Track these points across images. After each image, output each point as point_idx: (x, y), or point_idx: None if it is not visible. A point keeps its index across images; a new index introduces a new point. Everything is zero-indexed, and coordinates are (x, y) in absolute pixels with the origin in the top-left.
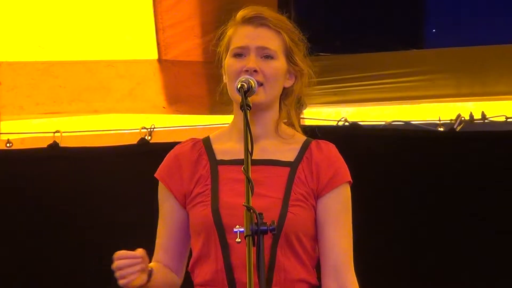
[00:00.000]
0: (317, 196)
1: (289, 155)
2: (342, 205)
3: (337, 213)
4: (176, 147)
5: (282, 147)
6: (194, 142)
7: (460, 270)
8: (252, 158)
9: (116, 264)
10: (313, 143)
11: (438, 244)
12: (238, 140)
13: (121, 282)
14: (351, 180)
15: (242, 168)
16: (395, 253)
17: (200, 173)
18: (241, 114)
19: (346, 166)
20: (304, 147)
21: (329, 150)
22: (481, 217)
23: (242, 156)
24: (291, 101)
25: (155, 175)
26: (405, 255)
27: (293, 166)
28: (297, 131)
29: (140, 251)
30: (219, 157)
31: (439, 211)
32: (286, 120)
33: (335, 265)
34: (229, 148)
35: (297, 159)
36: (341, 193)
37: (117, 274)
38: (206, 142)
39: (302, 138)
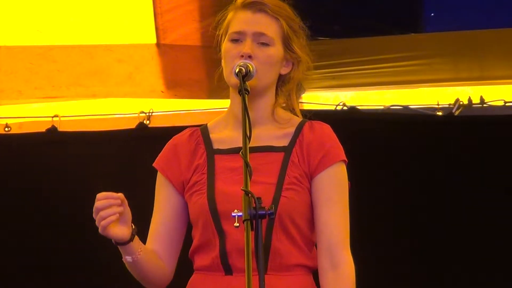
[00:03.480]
0: (310, 177)
1: (284, 140)
2: (334, 184)
3: (330, 192)
4: (174, 137)
5: (277, 132)
6: (192, 131)
7: (459, 251)
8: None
9: (96, 205)
10: (307, 124)
11: (438, 228)
12: (234, 127)
13: (102, 224)
14: (346, 159)
15: (240, 153)
16: (395, 237)
17: (197, 162)
18: (237, 100)
19: (340, 145)
20: (298, 130)
21: (322, 130)
22: (480, 201)
23: (238, 144)
24: (289, 88)
25: (153, 164)
26: (405, 238)
27: (287, 150)
28: (298, 116)
29: (119, 194)
30: (216, 146)
31: (438, 195)
32: (284, 105)
33: (328, 243)
34: (225, 136)
35: (291, 143)
36: (333, 172)
37: (98, 215)
38: (204, 130)
39: (297, 121)
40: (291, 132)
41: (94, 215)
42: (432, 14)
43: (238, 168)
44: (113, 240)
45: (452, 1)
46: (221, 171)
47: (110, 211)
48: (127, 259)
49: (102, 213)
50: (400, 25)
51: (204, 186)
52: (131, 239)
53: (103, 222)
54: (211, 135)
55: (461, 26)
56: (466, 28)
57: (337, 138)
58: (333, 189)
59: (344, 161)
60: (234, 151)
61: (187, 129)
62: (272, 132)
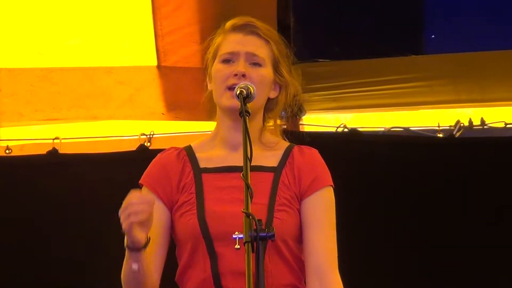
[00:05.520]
0: (300, 199)
1: (273, 160)
2: (324, 207)
3: (319, 215)
4: (160, 156)
5: (265, 153)
6: (178, 151)
7: (459, 271)
8: (236, 165)
9: (129, 200)
10: (296, 148)
11: (438, 251)
12: (222, 147)
13: (131, 219)
14: (333, 185)
15: (241, 175)
16: (395, 256)
17: (184, 182)
18: (226, 122)
19: (328, 171)
20: (287, 152)
21: (311, 154)
22: (481, 223)
23: (226, 163)
24: (275, 113)
25: (140, 182)
26: (405, 259)
27: (276, 171)
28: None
29: (152, 197)
30: (202, 165)
31: (439, 217)
32: (272, 128)
33: (318, 265)
34: (212, 156)
35: (281, 164)
36: (323, 196)
37: (127, 211)
38: (189, 150)
39: (285, 144)
40: (280, 154)
41: (122, 210)
42: (433, 36)
43: (226, 187)
44: (128, 242)
45: (452, 23)
46: (209, 190)
47: (142, 207)
48: (133, 267)
49: (133, 208)
50: (400, 47)
51: (193, 207)
52: (145, 246)
53: (133, 217)
54: (197, 155)
55: (462, 48)
56: (467, 50)
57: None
58: (322, 212)
59: (332, 185)
60: (222, 170)
61: (172, 149)
62: (260, 153)
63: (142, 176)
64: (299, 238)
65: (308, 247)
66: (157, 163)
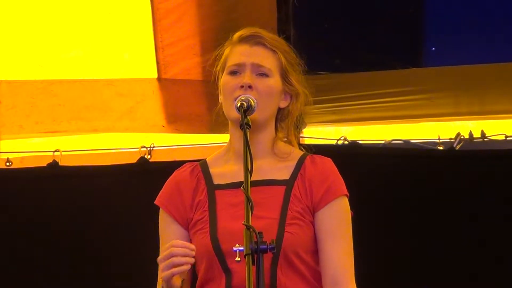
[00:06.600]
0: (313, 211)
1: (285, 173)
2: (338, 219)
3: (333, 227)
4: (175, 173)
5: (278, 164)
6: (192, 167)
7: (460, 282)
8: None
9: (172, 250)
10: (308, 158)
11: (437, 261)
12: (235, 161)
13: (174, 270)
14: (348, 193)
15: (241, 187)
16: (394, 269)
17: (199, 199)
18: (237, 134)
19: (341, 179)
20: (299, 163)
21: (323, 164)
22: (480, 236)
23: (239, 179)
24: (288, 122)
25: (155, 202)
26: (405, 272)
27: (288, 184)
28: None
29: (193, 246)
30: (216, 181)
31: (439, 229)
32: (285, 139)
33: (333, 277)
34: (226, 171)
35: (293, 176)
36: (336, 207)
37: (170, 261)
38: (203, 166)
39: (298, 154)
40: (292, 165)
41: (164, 259)
42: (433, 49)
43: (239, 203)
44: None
45: (453, 36)
46: (222, 207)
47: (184, 260)
48: None
49: (176, 260)
50: (401, 59)
51: (206, 225)
52: None
53: (175, 269)
54: (211, 170)
55: (462, 61)
56: (467, 63)
57: (338, 172)
58: (336, 223)
59: (346, 195)
60: (235, 185)
61: (187, 165)
62: (272, 165)
63: (157, 197)
64: (314, 250)
65: (324, 260)
66: (171, 181)
